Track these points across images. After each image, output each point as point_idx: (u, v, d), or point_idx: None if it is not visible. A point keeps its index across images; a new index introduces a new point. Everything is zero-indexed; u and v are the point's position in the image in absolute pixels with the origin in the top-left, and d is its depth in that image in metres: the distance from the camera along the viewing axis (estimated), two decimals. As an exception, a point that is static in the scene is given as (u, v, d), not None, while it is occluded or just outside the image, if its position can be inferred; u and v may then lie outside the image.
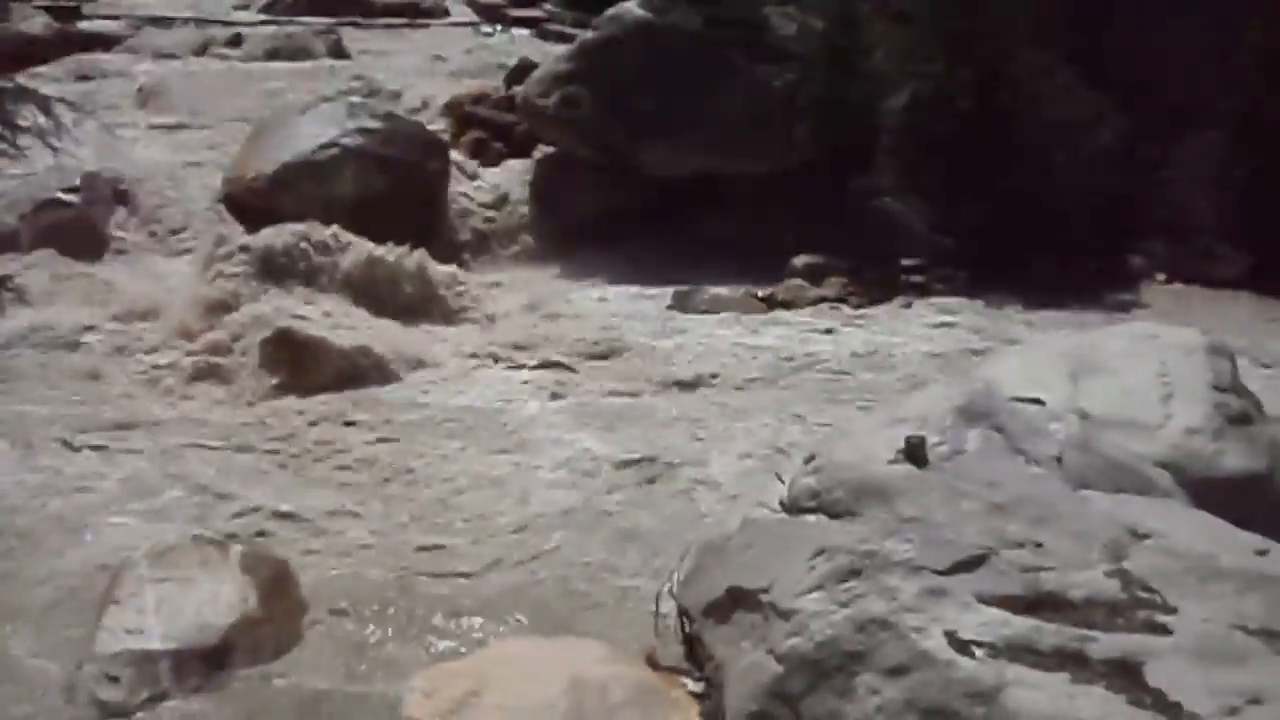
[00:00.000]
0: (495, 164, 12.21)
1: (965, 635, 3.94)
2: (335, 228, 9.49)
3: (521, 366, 8.54)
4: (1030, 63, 10.88)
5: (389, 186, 10.58)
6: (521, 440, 7.31)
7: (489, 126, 12.62)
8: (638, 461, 6.94)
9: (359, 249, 9.40)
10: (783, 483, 5.09)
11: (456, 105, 12.99)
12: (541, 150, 12.13)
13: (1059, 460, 5.13)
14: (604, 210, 11.35)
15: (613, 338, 9.01)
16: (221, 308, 8.73)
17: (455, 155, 11.90)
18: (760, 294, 10.12)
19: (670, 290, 10.07)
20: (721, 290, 10.09)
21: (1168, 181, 11.06)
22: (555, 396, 7.99)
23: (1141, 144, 10.88)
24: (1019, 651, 3.88)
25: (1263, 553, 4.36)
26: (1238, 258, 10.59)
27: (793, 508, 4.85)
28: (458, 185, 11.54)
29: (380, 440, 7.26)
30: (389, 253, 9.46)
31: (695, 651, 4.64)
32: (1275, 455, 5.52)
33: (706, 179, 11.20)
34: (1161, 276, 10.76)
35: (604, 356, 8.73)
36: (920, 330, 9.36)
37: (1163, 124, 10.99)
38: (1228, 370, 5.92)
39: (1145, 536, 4.41)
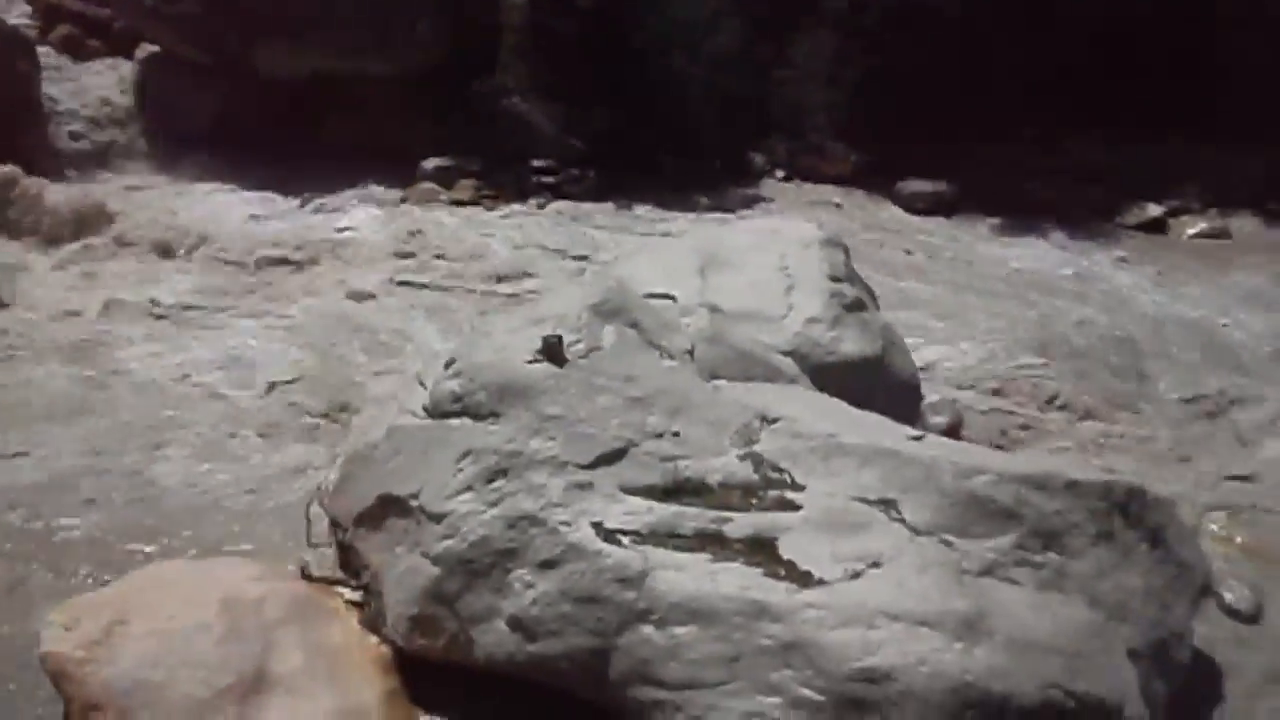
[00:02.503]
0: (92, 62, 11.31)
1: (611, 525, 4.07)
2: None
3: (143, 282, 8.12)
4: (647, -38, 11.03)
5: (-33, 89, 9.64)
6: (132, 356, 7.02)
7: (81, 21, 11.63)
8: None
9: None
10: (424, 388, 5.03)
11: (40, -4, 11.88)
12: (145, 49, 11.31)
13: (691, 353, 5.28)
14: (219, 114, 10.73)
15: (240, 240, 8.65)
16: None
17: (44, 53, 10.93)
18: (391, 197, 9.92)
19: (297, 198, 9.71)
20: (350, 192, 9.83)
21: (783, 81, 11.49)
22: (169, 308, 7.68)
23: (758, 45, 11.25)
24: (662, 537, 4.05)
25: (918, 438, 4.68)
26: (849, 154, 11.16)
27: (436, 412, 4.81)
28: (51, 88, 10.64)
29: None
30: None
31: (350, 561, 4.60)
32: (887, 339, 5.90)
33: (329, 81, 10.80)
34: (781, 173, 11.22)
35: (231, 260, 8.40)
36: (550, 230, 9.41)
37: (777, 24, 11.39)
38: (842, 261, 6.25)
39: (774, 421, 4.63)
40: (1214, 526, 5.74)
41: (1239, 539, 5.69)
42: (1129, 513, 4.40)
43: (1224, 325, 8.31)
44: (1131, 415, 6.97)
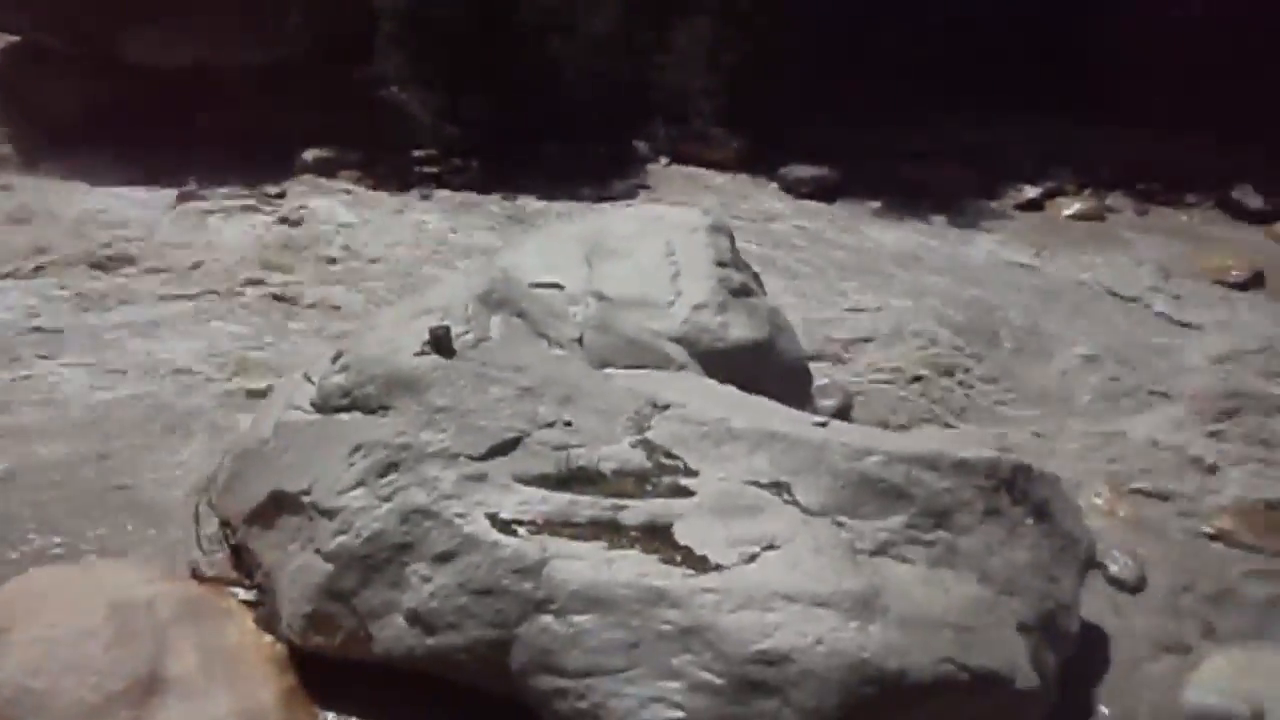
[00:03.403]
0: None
1: (507, 515, 4.08)
2: None
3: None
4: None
5: None
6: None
7: (-70, 13, 11.23)
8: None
9: None
10: (312, 383, 4.96)
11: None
12: (3, 38, 10.95)
13: (580, 341, 5.30)
14: (88, 106, 10.41)
15: (116, 241, 8.42)
16: None
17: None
18: (271, 191, 9.73)
19: (174, 191, 9.47)
20: (229, 188, 9.62)
21: (663, 67, 11.52)
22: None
23: (636, 30, 11.25)
24: (558, 526, 4.06)
25: (822, 425, 4.73)
26: (732, 140, 11.22)
27: (324, 407, 4.75)
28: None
29: None
30: None
31: (242, 560, 4.54)
32: (775, 323, 5.95)
33: (202, 71, 10.56)
34: (664, 160, 11.24)
35: (108, 263, 8.14)
36: (433, 220, 9.32)
37: (655, 9, 11.42)
38: (728, 247, 6.29)
39: (665, 407, 4.67)
40: (1097, 500, 5.91)
41: (1121, 511, 5.87)
42: (1015, 489, 4.52)
43: (1111, 297, 8.56)
44: (1018, 391, 7.13)
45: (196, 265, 8.20)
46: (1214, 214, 10.60)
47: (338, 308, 7.69)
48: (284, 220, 9.08)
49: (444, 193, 9.98)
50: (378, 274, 8.24)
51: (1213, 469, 6.33)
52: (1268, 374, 7.43)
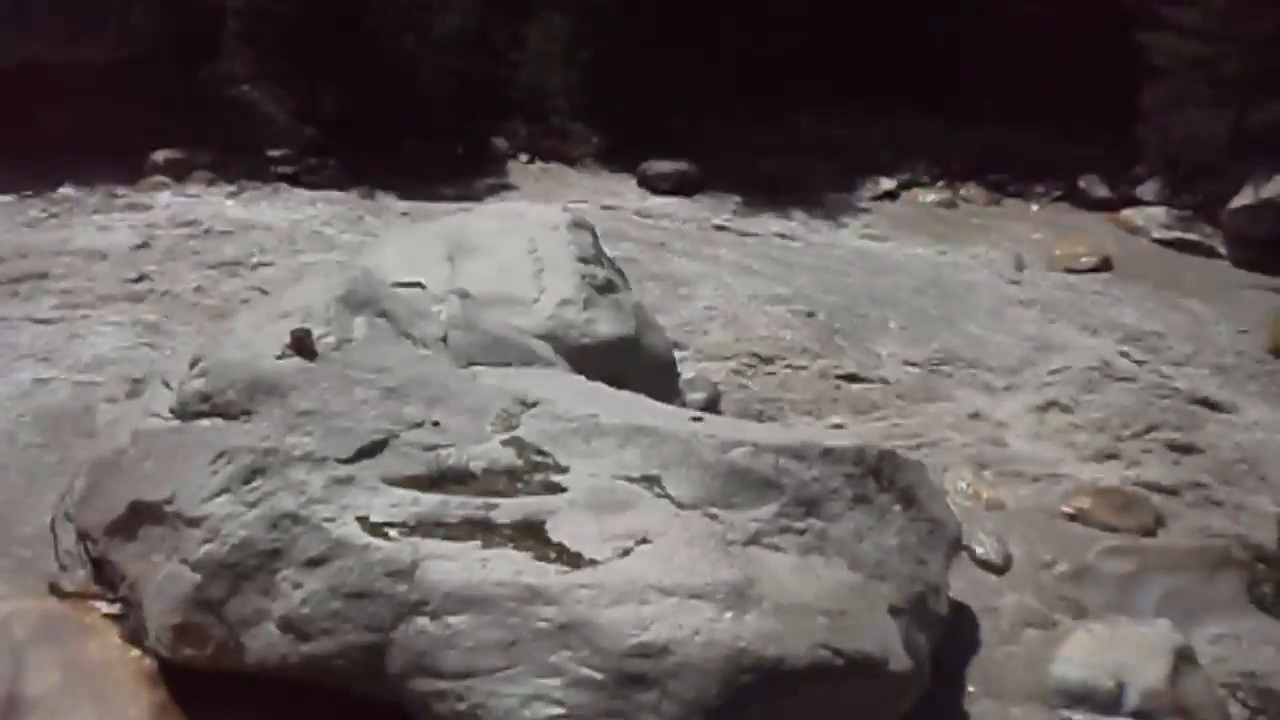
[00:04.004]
0: None
1: (377, 518, 4.02)
2: None
3: None
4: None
5: None
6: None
7: None
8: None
9: None
10: (170, 389, 4.82)
11: None
12: None
13: (445, 340, 5.24)
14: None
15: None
16: None
17: None
18: (121, 193, 9.40)
19: (11, 196, 9.11)
20: (74, 190, 9.30)
21: (520, 64, 11.49)
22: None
23: (491, 26, 11.19)
24: (430, 527, 4.02)
25: (698, 419, 4.75)
26: (591, 136, 11.24)
27: (184, 413, 4.62)
28: None
29: None
30: None
31: (105, 573, 4.39)
32: (641, 318, 5.97)
33: (38, 68, 10.17)
34: (525, 157, 11.22)
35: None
36: (294, 220, 9.14)
37: (510, 6, 11.37)
38: (590, 243, 6.30)
39: (533, 405, 4.65)
40: (962, 484, 6.06)
41: (985, 495, 6.01)
42: (882, 475, 4.61)
43: (971, 284, 8.78)
44: (883, 377, 7.26)
45: (48, 271, 7.91)
46: (1061, 203, 10.95)
47: (201, 308, 7.48)
48: (135, 224, 8.81)
49: (301, 192, 9.79)
50: (244, 275, 8.04)
51: (1071, 451, 6.53)
52: (1126, 357, 7.70)
